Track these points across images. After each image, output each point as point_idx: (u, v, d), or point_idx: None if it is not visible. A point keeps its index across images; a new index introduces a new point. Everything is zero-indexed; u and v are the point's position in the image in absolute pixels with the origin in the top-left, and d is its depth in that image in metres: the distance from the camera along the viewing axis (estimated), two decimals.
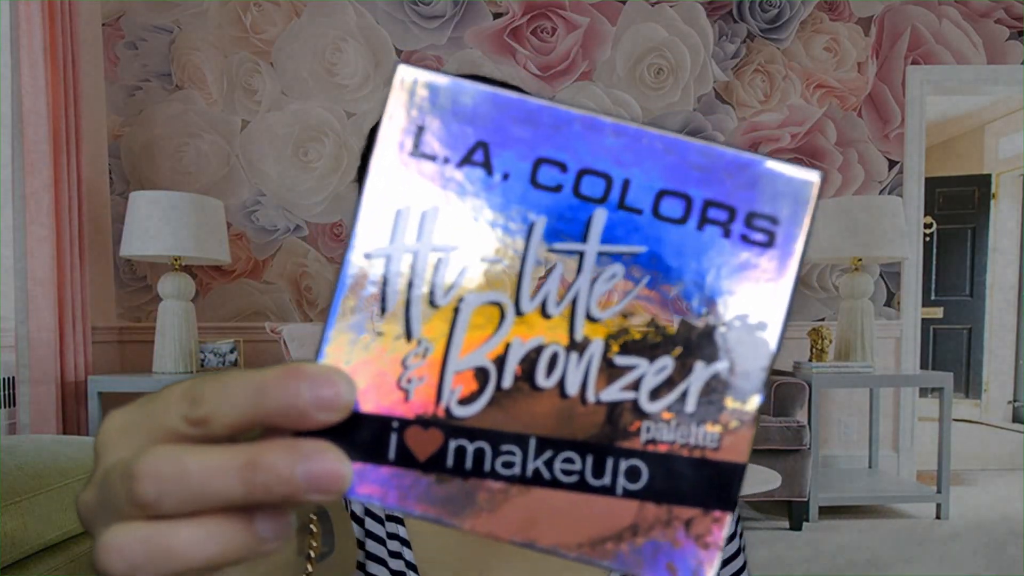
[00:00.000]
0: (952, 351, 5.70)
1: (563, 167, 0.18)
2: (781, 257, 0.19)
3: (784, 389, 2.83)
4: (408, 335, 0.18)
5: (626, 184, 0.18)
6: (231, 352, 3.06)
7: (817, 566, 2.40)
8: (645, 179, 0.18)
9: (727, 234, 0.18)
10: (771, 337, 0.18)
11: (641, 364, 0.18)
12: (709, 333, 0.18)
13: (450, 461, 0.17)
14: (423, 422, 0.18)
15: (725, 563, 0.57)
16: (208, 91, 3.43)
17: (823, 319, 3.49)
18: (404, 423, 0.18)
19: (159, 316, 2.87)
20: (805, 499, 2.76)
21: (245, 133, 3.43)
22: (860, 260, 3.05)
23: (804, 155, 3.48)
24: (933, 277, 5.67)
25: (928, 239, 5.60)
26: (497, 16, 3.44)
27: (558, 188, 0.18)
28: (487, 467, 0.17)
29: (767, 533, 2.76)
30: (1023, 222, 5.50)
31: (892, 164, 3.49)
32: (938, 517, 2.95)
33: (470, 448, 0.17)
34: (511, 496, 0.17)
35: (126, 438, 0.19)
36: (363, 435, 0.17)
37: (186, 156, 3.43)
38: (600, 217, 0.18)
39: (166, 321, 2.85)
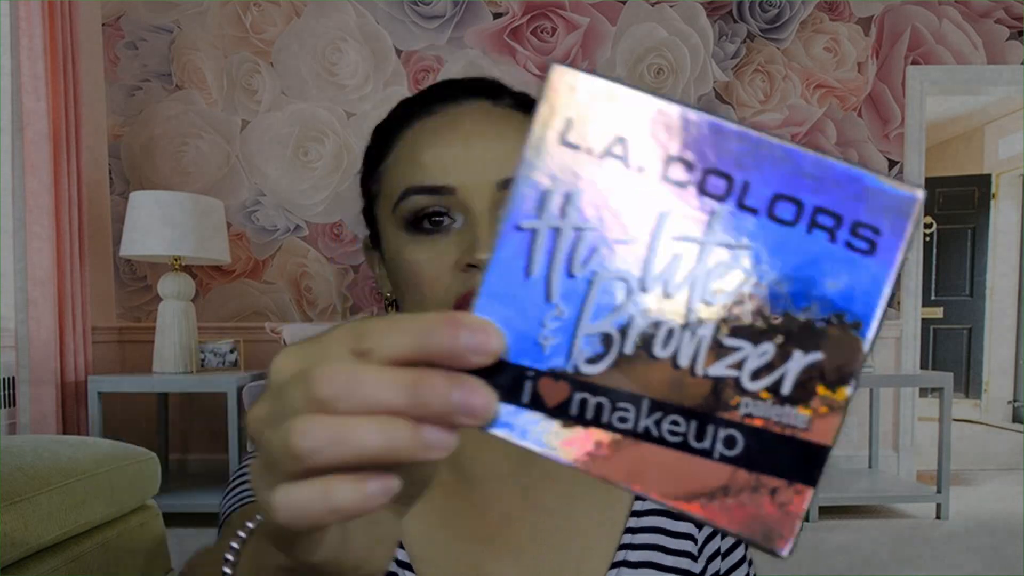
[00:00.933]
0: (952, 351, 5.70)
1: (690, 166, 0.20)
2: (880, 265, 0.20)
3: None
4: (547, 298, 0.21)
5: (745, 186, 0.20)
6: (231, 352, 3.06)
7: (817, 566, 2.40)
8: (762, 183, 0.20)
9: (833, 239, 0.20)
10: (865, 336, 0.20)
11: (746, 347, 0.20)
12: (809, 326, 0.20)
13: (574, 410, 0.20)
14: (554, 374, 0.21)
15: (726, 553, 0.56)
16: (208, 91, 3.43)
17: None
18: (538, 373, 0.21)
19: (159, 316, 2.87)
20: None
21: (245, 133, 3.43)
22: None
23: None
24: (933, 277, 5.67)
25: (928, 239, 5.60)
26: (497, 16, 3.44)
27: (685, 184, 0.20)
28: (605, 419, 0.20)
29: None
30: (1023, 222, 5.50)
31: (892, 164, 3.49)
32: (938, 517, 2.95)
33: (592, 401, 0.20)
34: (623, 447, 0.20)
35: (299, 365, 0.23)
36: (504, 379, 0.21)
37: (186, 156, 3.43)
38: (720, 213, 0.20)
39: (166, 321, 2.85)
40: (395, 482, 0.20)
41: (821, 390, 0.20)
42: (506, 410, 0.21)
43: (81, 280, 2.89)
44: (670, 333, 0.20)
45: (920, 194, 0.20)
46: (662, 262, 0.20)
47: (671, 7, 3.44)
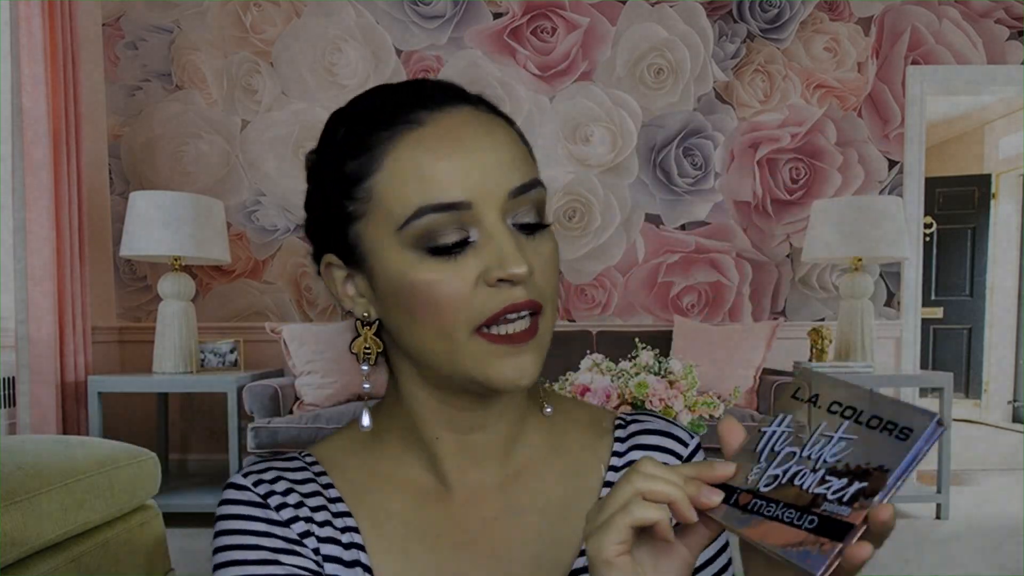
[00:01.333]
0: (952, 351, 5.70)
1: (840, 405, 0.42)
2: (911, 450, 0.38)
3: (784, 389, 2.82)
4: (759, 459, 0.43)
5: (861, 412, 0.41)
6: (231, 352, 3.06)
7: None
8: (864, 409, 0.41)
9: (890, 434, 0.39)
10: (891, 478, 0.37)
11: (834, 480, 0.39)
12: (865, 471, 0.39)
13: (750, 506, 0.41)
14: (747, 491, 0.42)
15: (707, 563, 0.57)
16: (208, 91, 3.43)
17: (823, 319, 3.49)
18: (742, 490, 0.42)
19: (159, 316, 2.87)
20: None
21: (245, 133, 3.43)
22: (860, 260, 3.05)
23: (804, 155, 3.49)
24: (933, 277, 5.67)
25: (928, 239, 5.60)
26: (497, 16, 3.44)
27: (835, 412, 0.42)
28: (759, 511, 0.41)
29: None
30: (1023, 222, 5.50)
31: (892, 164, 3.49)
32: (938, 517, 2.95)
33: (759, 503, 0.41)
34: (762, 523, 0.40)
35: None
36: (731, 491, 0.42)
37: (186, 156, 3.43)
38: (845, 425, 0.41)
39: (166, 321, 2.85)
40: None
41: (861, 500, 0.38)
42: (728, 506, 0.42)
43: (81, 280, 2.89)
44: (804, 474, 0.41)
45: (936, 424, 0.38)
46: (810, 446, 0.42)
47: (671, 7, 3.44)
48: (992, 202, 5.53)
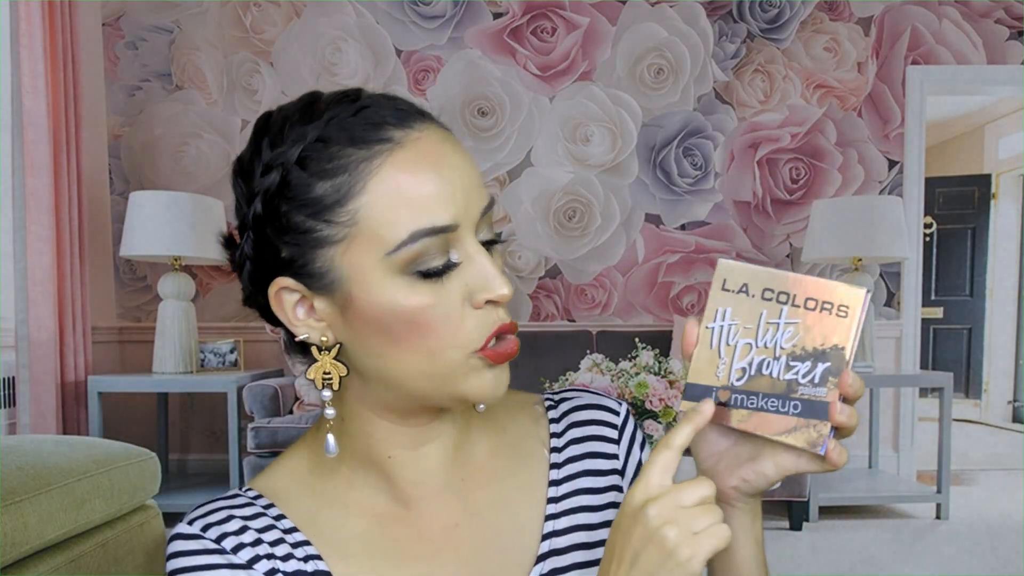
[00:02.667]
0: (952, 351, 5.70)
1: (772, 291, 0.47)
2: (852, 323, 0.45)
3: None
4: (720, 356, 0.48)
5: (794, 297, 0.47)
6: (231, 352, 3.06)
7: (817, 566, 2.40)
8: (800, 295, 0.48)
9: (830, 312, 0.45)
10: (846, 353, 0.45)
11: (799, 364, 0.45)
12: (823, 352, 0.45)
13: (733, 402, 0.47)
14: (724, 388, 0.48)
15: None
16: (208, 91, 3.43)
17: None
18: (717, 389, 0.48)
19: (159, 316, 2.87)
20: (805, 499, 2.76)
21: (245, 133, 3.43)
22: (860, 260, 3.05)
23: (804, 155, 3.48)
24: (933, 277, 5.67)
25: (928, 239, 5.60)
26: (497, 16, 3.44)
27: (771, 299, 0.47)
28: (745, 404, 0.47)
29: (767, 533, 2.76)
30: (1023, 222, 5.50)
31: (892, 164, 3.49)
32: (938, 517, 2.95)
33: (741, 397, 0.47)
34: (753, 415, 0.47)
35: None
36: (705, 393, 0.48)
37: (186, 156, 3.43)
38: (785, 311, 0.47)
39: (166, 321, 2.85)
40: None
41: (831, 379, 0.45)
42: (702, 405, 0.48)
43: (81, 280, 2.89)
44: (768, 363, 0.46)
45: (864, 290, 0.45)
46: (763, 334, 0.47)
47: (671, 7, 3.44)
48: (992, 202, 5.53)
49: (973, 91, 3.67)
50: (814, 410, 0.43)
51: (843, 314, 0.43)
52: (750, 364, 0.46)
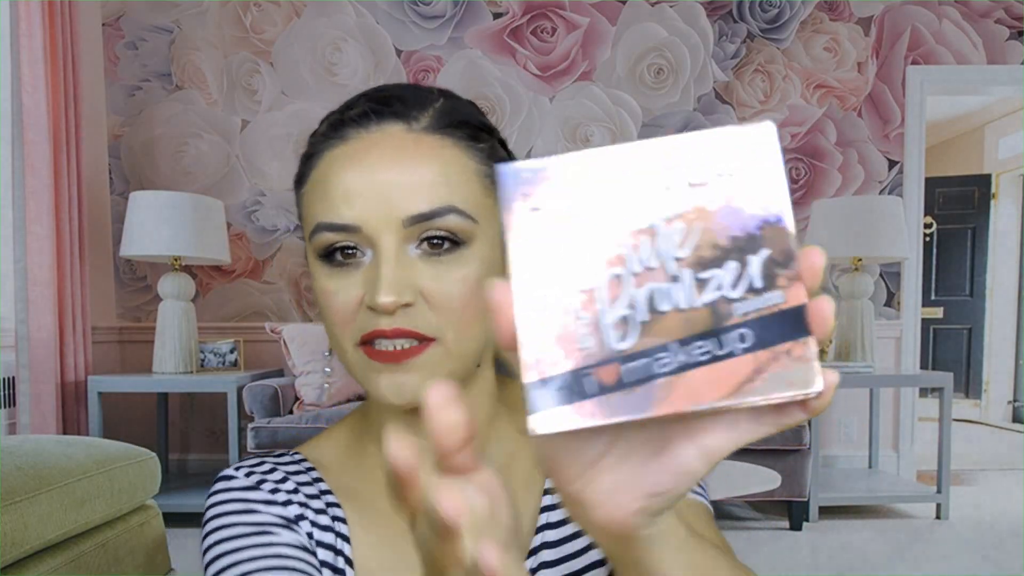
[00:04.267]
0: (952, 351, 5.70)
1: (625, 180, 0.27)
2: (773, 175, 0.27)
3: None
4: (571, 316, 0.26)
5: (667, 175, 0.27)
6: (231, 352, 3.06)
7: (817, 566, 2.40)
8: (677, 167, 0.27)
9: (732, 176, 0.27)
10: (786, 223, 0.26)
11: (717, 272, 0.26)
12: (751, 238, 0.26)
13: (628, 379, 0.26)
14: (603, 363, 0.26)
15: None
16: (208, 91, 3.43)
17: None
18: (591, 367, 0.26)
19: (159, 316, 2.87)
20: (805, 499, 2.76)
21: (245, 133, 3.43)
22: (860, 260, 3.05)
23: (804, 155, 3.48)
24: (933, 277, 5.67)
25: (928, 239, 5.60)
26: (497, 16, 3.44)
27: (628, 193, 0.27)
28: (652, 371, 0.26)
29: (767, 533, 2.76)
30: (1023, 222, 5.50)
31: (892, 164, 3.49)
32: (938, 517, 2.95)
33: (637, 365, 0.26)
34: (673, 383, 0.26)
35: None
36: (574, 386, 0.26)
37: (186, 156, 3.43)
38: (659, 200, 0.27)
39: (166, 321, 2.85)
40: None
41: (779, 271, 0.26)
42: (583, 405, 0.26)
43: (81, 280, 2.89)
44: (665, 292, 0.26)
45: (770, 123, 0.28)
46: (635, 250, 0.27)
47: (671, 7, 3.44)
48: (992, 202, 5.53)
49: (973, 91, 3.68)
50: (777, 328, 0.26)
51: (752, 167, 0.27)
52: (632, 306, 0.26)
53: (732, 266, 0.26)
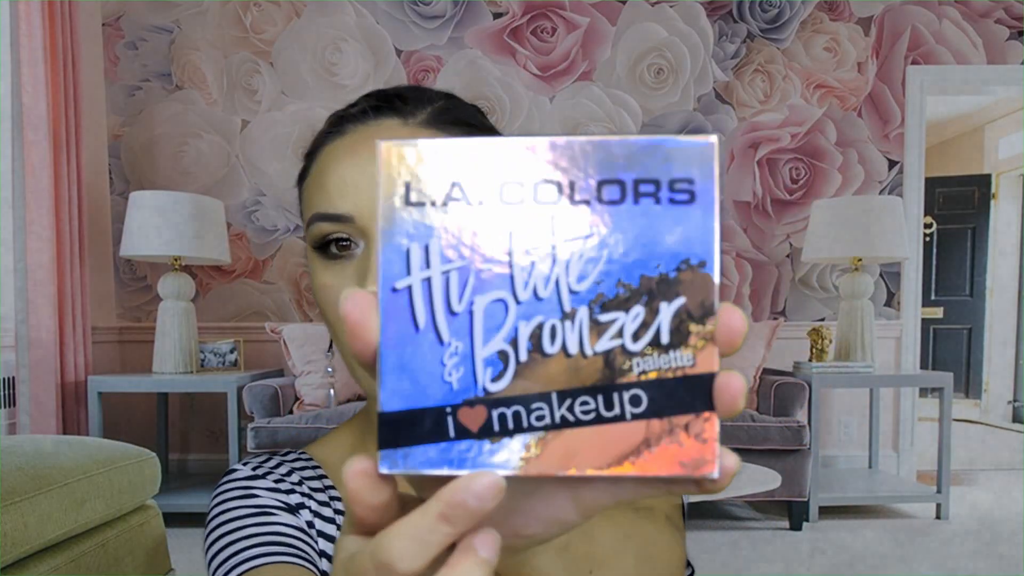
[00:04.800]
0: (952, 351, 5.70)
1: (520, 184, 0.23)
2: (704, 208, 0.22)
3: (784, 389, 2.83)
4: (440, 341, 0.23)
5: (572, 185, 0.22)
6: (231, 352, 3.06)
7: (817, 566, 2.40)
8: (584, 177, 0.23)
9: (658, 201, 0.22)
10: (712, 271, 0.22)
11: (619, 316, 0.22)
12: (665, 280, 0.22)
13: (496, 426, 0.22)
14: (469, 403, 0.22)
15: None
16: (208, 91, 3.43)
17: (823, 319, 3.49)
18: (455, 407, 0.22)
19: (159, 316, 2.87)
20: (805, 499, 2.76)
21: (245, 133, 3.43)
22: (860, 260, 3.05)
23: (804, 155, 3.48)
24: (933, 277, 5.67)
25: (928, 239, 5.60)
26: (497, 16, 3.44)
27: (521, 201, 0.23)
28: (525, 423, 0.22)
29: (767, 533, 2.76)
30: (1023, 222, 5.50)
31: (892, 164, 3.49)
32: (938, 517, 2.95)
33: (509, 412, 0.22)
34: (548, 441, 0.22)
35: None
36: (427, 424, 0.22)
37: (186, 156, 3.43)
38: (557, 215, 0.23)
39: (166, 321, 2.85)
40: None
41: (693, 328, 0.22)
42: (439, 449, 0.22)
43: (81, 280, 2.89)
44: (553, 329, 0.22)
45: (714, 139, 0.22)
46: (524, 273, 0.23)
47: (671, 7, 3.44)
48: (992, 202, 5.53)
49: (973, 91, 3.67)
50: (678, 396, 0.22)
51: (684, 194, 0.22)
52: (513, 341, 0.22)
53: (638, 311, 0.22)
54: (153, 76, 3.42)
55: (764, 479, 2.24)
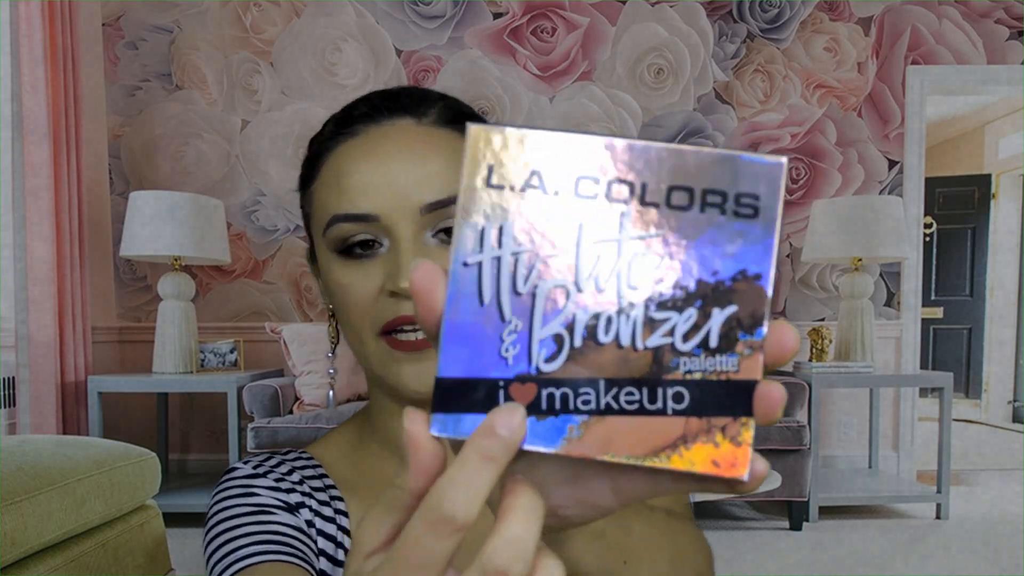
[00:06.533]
0: (952, 351, 5.70)
1: (596, 180, 0.24)
2: (765, 223, 0.23)
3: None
4: (502, 318, 0.24)
5: (643, 186, 0.24)
6: (231, 352, 3.06)
7: (817, 566, 2.40)
8: (656, 181, 0.24)
9: (723, 212, 0.23)
10: (765, 285, 0.23)
11: (673, 316, 0.23)
12: (720, 287, 0.23)
13: (544, 404, 0.23)
14: (521, 379, 0.23)
15: None
16: (208, 91, 3.43)
17: (823, 319, 3.49)
18: (507, 381, 0.23)
19: (159, 316, 2.87)
20: (805, 499, 2.76)
21: (245, 133, 3.43)
22: (860, 260, 3.05)
23: (804, 155, 3.48)
24: (933, 277, 5.67)
25: (928, 239, 5.60)
26: (497, 16, 3.44)
27: (595, 196, 0.24)
28: (571, 406, 0.23)
29: (767, 533, 2.76)
30: (1023, 222, 5.50)
31: (892, 164, 3.49)
32: (938, 517, 2.95)
33: (557, 393, 0.23)
34: (591, 425, 0.23)
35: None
36: (479, 395, 0.23)
37: (186, 156, 3.43)
38: (628, 212, 0.24)
39: (166, 321, 2.85)
40: None
41: (741, 335, 0.23)
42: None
43: (81, 280, 2.89)
44: (609, 321, 0.23)
45: (784, 160, 0.23)
46: (589, 264, 0.24)
47: (671, 7, 3.44)
48: (992, 202, 5.53)
49: (973, 91, 3.67)
50: (719, 398, 0.23)
51: (750, 209, 0.23)
52: (570, 326, 0.23)
53: (690, 314, 0.23)
54: (153, 76, 3.42)
55: (764, 479, 2.24)
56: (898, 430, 3.56)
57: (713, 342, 0.23)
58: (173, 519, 2.54)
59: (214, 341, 3.05)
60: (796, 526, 2.78)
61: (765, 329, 0.23)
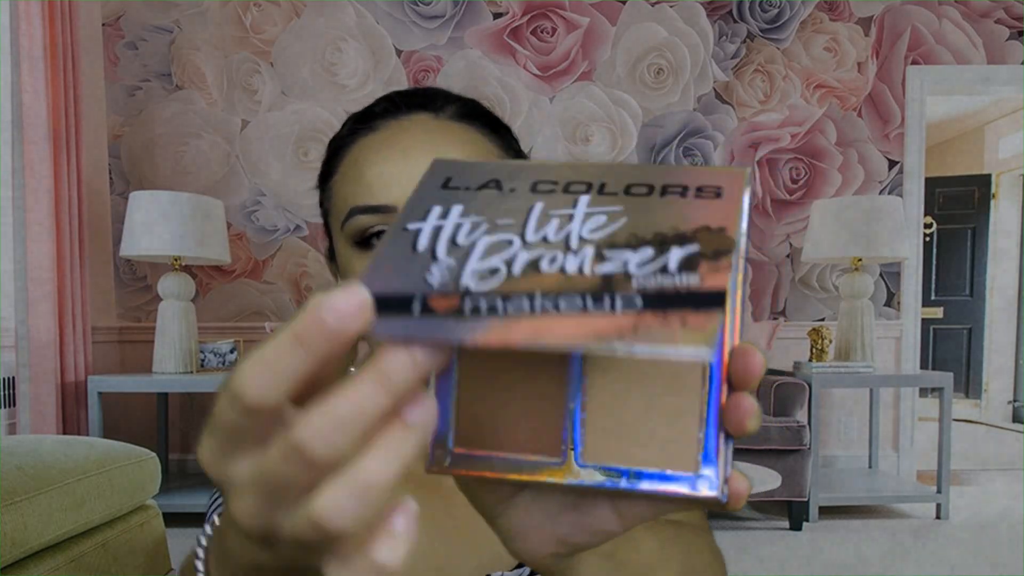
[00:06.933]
0: (952, 351, 5.70)
1: (554, 183, 0.25)
2: (730, 199, 0.23)
3: (784, 389, 2.83)
4: (433, 258, 0.22)
5: (603, 185, 0.24)
6: (231, 352, 3.06)
7: (817, 566, 2.40)
8: (615, 182, 0.25)
9: (684, 196, 0.24)
10: (732, 233, 0.22)
11: (626, 253, 0.22)
12: (680, 235, 0.22)
13: (468, 310, 0.20)
14: (444, 293, 0.21)
15: None
16: (208, 91, 3.43)
17: (823, 319, 3.49)
18: (427, 294, 0.21)
19: (159, 316, 2.87)
20: (805, 499, 2.76)
21: (245, 133, 3.43)
22: (860, 260, 3.05)
23: (804, 155, 3.48)
24: (933, 277, 5.67)
25: (928, 239, 5.60)
26: (497, 16, 3.44)
27: (551, 191, 0.24)
28: (500, 311, 0.20)
29: (767, 533, 2.76)
30: (1023, 222, 5.50)
31: (892, 164, 3.49)
32: (938, 517, 2.95)
33: (484, 303, 0.21)
34: (522, 319, 0.20)
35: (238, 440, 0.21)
36: (394, 305, 0.21)
37: (186, 156, 3.43)
38: (583, 200, 0.24)
39: (166, 321, 2.85)
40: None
41: (705, 264, 0.21)
42: (397, 321, 0.20)
43: (81, 280, 2.89)
44: (554, 257, 0.22)
45: (748, 169, 0.25)
46: (538, 223, 0.23)
47: (671, 7, 3.44)
48: (992, 202, 5.53)
49: (973, 91, 3.67)
50: (678, 301, 0.20)
51: (709, 193, 0.24)
52: (508, 262, 0.22)
53: (646, 251, 0.21)
54: (153, 76, 3.42)
55: (764, 479, 2.24)
56: (898, 430, 3.56)
57: (672, 268, 0.21)
58: (173, 519, 2.54)
59: (214, 341, 3.05)
60: (796, 526, 2.78)
61: (734, 260, 0.21)
